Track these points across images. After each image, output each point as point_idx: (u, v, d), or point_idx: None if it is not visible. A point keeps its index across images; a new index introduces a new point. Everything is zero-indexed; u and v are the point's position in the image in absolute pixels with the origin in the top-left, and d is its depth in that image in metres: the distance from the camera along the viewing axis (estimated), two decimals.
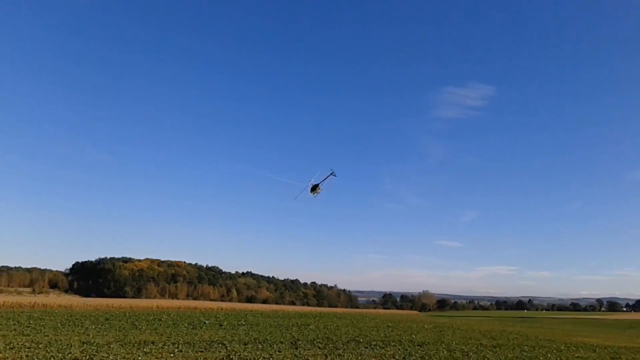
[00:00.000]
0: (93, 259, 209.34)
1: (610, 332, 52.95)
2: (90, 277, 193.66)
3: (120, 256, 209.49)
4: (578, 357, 22.35)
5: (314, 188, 29.00)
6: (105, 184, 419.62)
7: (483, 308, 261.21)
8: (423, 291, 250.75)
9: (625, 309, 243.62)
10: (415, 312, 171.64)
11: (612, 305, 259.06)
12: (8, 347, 17.08)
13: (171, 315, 43.57)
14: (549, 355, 22.67)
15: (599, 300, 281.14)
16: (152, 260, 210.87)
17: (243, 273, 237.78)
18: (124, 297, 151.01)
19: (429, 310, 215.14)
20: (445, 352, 21.89)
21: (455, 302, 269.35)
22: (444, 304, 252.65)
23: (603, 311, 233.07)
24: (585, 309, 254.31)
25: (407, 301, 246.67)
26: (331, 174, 28.99)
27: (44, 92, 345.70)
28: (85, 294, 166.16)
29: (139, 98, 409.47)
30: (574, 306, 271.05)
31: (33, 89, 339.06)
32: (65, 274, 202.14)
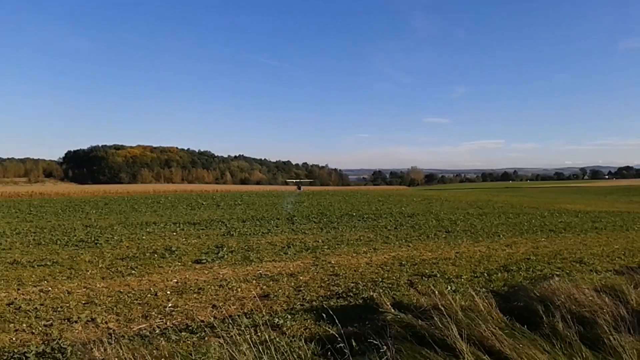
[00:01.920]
0: (85, 147, 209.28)
1: (592, 199, 55.01)
2: (84, 165, 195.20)
3: (112, 144, 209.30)
4: (561, 221, 23.40)
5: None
6: (90, 72, 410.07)
7: (470, 181, 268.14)
8: (412, 167, 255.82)
9: (607, 177, 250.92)
10: (404, 187, 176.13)
11: (595, 174, 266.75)
12: (15, 232, 17.66)
13: (169, 198, 44.64)
14: (533, 220, 23.72)
15: (582, 169, 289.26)
16: (145, 147, 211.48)
17: (236, 156, 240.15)
18: (120, 183, 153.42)
19: (418, 185, 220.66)
20: (434, 221, 22.88)
21: (442, 177, 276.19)
22: (431, 178, 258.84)
23: (586, 179, 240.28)
24: (568, 178, 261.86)
25: (396, 177, 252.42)
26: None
27: None
28: (81, 181, 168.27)
29: None
30: (558, 175, 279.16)
31: None
32: (59, 163, 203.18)
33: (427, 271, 10.38)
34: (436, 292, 6.88)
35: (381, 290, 8.42)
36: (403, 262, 11.63)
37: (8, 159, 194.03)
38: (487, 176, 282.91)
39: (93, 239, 15.66)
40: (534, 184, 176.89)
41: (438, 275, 9.90)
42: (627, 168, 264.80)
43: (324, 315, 6.39)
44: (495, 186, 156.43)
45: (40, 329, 6.47)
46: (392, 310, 6.50)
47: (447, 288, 8.48)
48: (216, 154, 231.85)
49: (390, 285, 8.96)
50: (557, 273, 10.11)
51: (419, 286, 8.84)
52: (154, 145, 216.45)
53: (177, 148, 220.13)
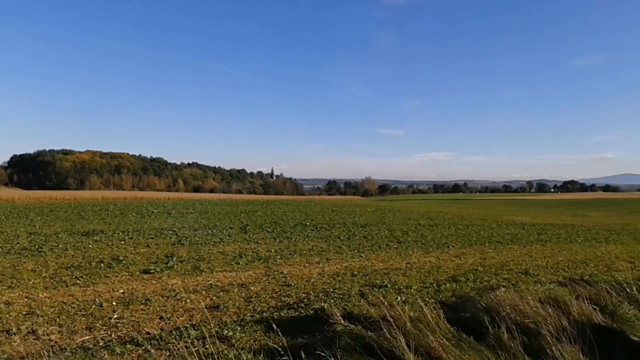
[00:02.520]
0: (31, 152, 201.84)
1: (538, 211, 56.84)
2: (30, 170, 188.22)
3: (59, 148, 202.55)
4: (508, 233, 24.08)
5: None
6: (38, 73, 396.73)
7: (422, 192, 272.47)
8: (366, 177, 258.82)
9: (552, 190, 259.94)
10: (358, 197, 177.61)
11: (541, 187, 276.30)
12: None
13: (118, 206, 43.43)
14: (481, 232, 24.33)
15: (529, 183, 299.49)
16: (94, 152, 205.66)
17: (189, 164, 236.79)
18: (67, 189, 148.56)
19: (371, 195, 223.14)
20: (386, 231, 23.13)
21: (396, 187, 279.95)
22: (385, 189, 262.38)
23: (532, 192, 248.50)
24: (516, 191, 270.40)
25: (351, 187, 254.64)
26: None
27: None
28: (26, 186, 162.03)
29: None
30: (506, 188, 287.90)
31: None
32: (4, 167, 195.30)
33: (378, 281, 10.46)
34: (385, 303, 6.95)
35: (332, 301, 8.43)
36: (355, 273, 11.69)
37: None
38: (438, 188, 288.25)
39: (37, 247, 15.07)
40: (483, 196, 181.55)
41: (389, 286, 9.99)
42: (572, 182, 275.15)
43: (274, 326, 6.33)
44: (446, 197, 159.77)
45: None
46: (343, 321, 6.51)
47: (397, 299, 8.56)
48: (169, 161, 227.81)
49: (341, 296, 8.98)
50: (504, 284, 10.38)
51: (370, 297, 8.90)
52: (104, 150, 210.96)
53: (128, 154, 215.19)
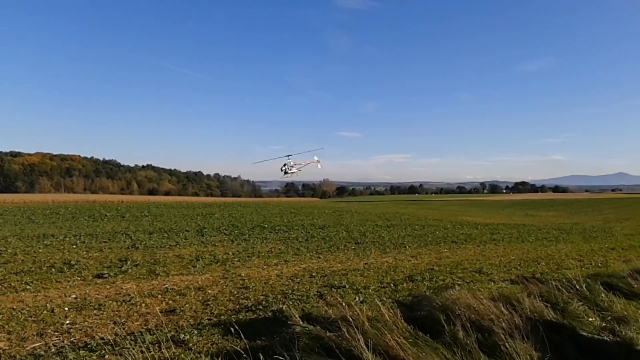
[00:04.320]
0: None
1: (491, 211, 58.44)
2: None
3: (8, 150, 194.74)
4: (462, 233, 24.62)
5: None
6: None
7: (379, 193, 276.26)
8: (323, 179, 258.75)
9: (504, 191, 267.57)
10: (316, 199, 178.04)
11: (494, 188, 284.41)
12: None
13: (69, 209, 42.16)
14: (436, 232, 24.79)
15: (482, 184, 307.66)
16: (44, 154, 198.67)
17: (143, 166, 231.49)
18: (16, 192, 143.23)
19: (329, 197, 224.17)
20: (344, 233, 23.29)
21: (353, 189, 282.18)
22: (343, 190, 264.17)
23: (485, 193, 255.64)
24: (469, 192, 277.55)
25: (309, 189, 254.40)
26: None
27: None
28: None
29: None
30: (460, 189, 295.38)
31: None
32: None
33: (336, 282, 10.52)
34: (344, 304, 7.01)
35: (291, 303, 8.43)
36: (313, 274, 11.71)
37: None
38: (395, 189, 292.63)
39: None
40: (438, 197, 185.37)
41: (347, 286, 10.06)
42: (523, 183, 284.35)
43: (233, 329, 6.29)
44: (402, 199, 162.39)
45: None
46: (301, 322, 6.53)
47: (356, 299, 8.64)
48: (122, 163, 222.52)
49: (300, 297, 8.98)
50: (458, 283, 10.61)
51: (329, 298, 8.94)
52: (54, 152, 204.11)
53: (79, 156, 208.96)
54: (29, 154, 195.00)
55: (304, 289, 9.81)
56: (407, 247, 18.22)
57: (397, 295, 9.25)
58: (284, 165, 22.65)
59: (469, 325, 6.04)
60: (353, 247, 17.67)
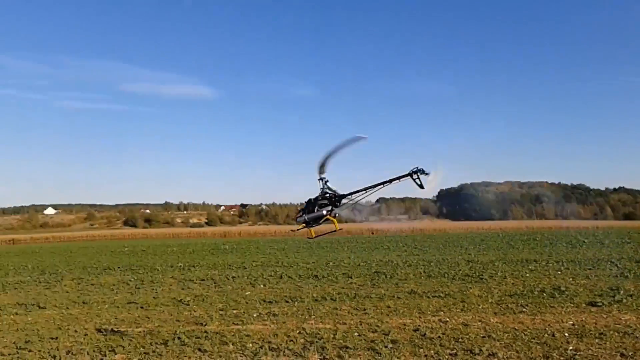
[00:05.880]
0: (455, 186, 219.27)
1: None
2: (456, 203, 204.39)
3: (480, 181, 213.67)
4: None
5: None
6: None
7: None
8: None
9: None
10: None
11: None
12: (406, 264, 19.54)
13: (544, 235, 42.83)
14: None
15: None
16: (512, 182, 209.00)
17: (615, 189, 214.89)
18: (491, 219, 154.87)
19: None
20: None
21: None
22: None
23: None
24: None
25: None
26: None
27: None
28: (454, 217, 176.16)
29: None
30: None
31: None
32: (433, 201, 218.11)
33: None
34: None
35: None
36: None
37: None
38: None
39: (477, 273, 16.17)
40: None
41: None
42: None
43: None
44: None
45: (446, 357, 6.93)
46: None
47: None
48: (592, 187, 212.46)
49: None
50: None
51: None
52: (522, 180, 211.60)
53: (547, 182, 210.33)
54: (499, 183, 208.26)
55: None
56: None
57: None
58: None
59: None
60: None
